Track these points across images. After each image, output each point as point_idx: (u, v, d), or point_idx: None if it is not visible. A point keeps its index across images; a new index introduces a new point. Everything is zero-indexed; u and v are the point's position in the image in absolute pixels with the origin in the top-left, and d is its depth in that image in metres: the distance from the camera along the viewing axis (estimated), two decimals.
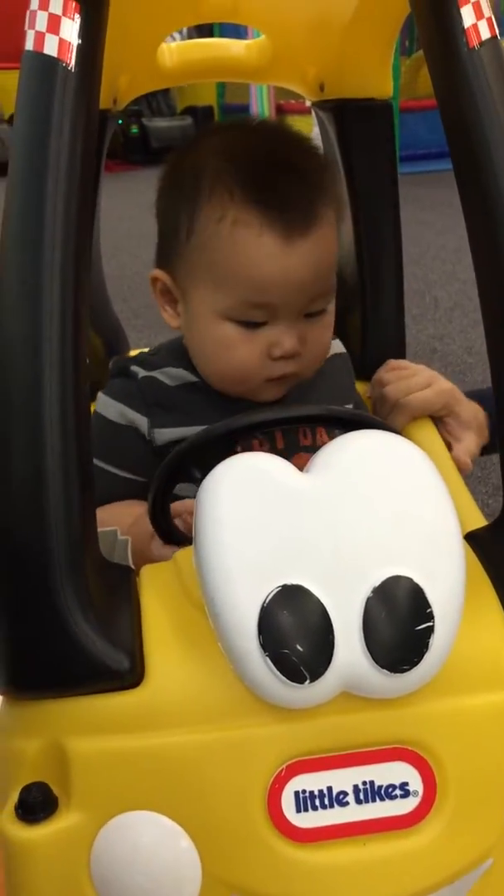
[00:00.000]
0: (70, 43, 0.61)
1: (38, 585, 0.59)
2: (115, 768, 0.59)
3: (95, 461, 0.83)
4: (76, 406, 0.61)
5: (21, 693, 0.62)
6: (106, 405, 0.90)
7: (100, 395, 0.92)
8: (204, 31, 4.29)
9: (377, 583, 0.57)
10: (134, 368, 0.91)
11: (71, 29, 0.61)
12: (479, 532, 0.71)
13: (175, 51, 0.99)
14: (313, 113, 1.06)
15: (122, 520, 0.82)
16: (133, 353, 1.01)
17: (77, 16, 0.61)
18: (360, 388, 1.06)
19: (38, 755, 0.60)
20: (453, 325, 2.94)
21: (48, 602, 0.59)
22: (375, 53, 0.96)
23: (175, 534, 0.78)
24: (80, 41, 0.61)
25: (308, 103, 1.07)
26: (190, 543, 0.74)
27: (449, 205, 4.94)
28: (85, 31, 0.62)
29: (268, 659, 0.55)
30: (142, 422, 0.89)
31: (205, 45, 1.03)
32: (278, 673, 0.55)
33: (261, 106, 7.79)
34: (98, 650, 0.59)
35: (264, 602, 0.56)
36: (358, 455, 0.61)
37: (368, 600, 0.56)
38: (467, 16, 0.66)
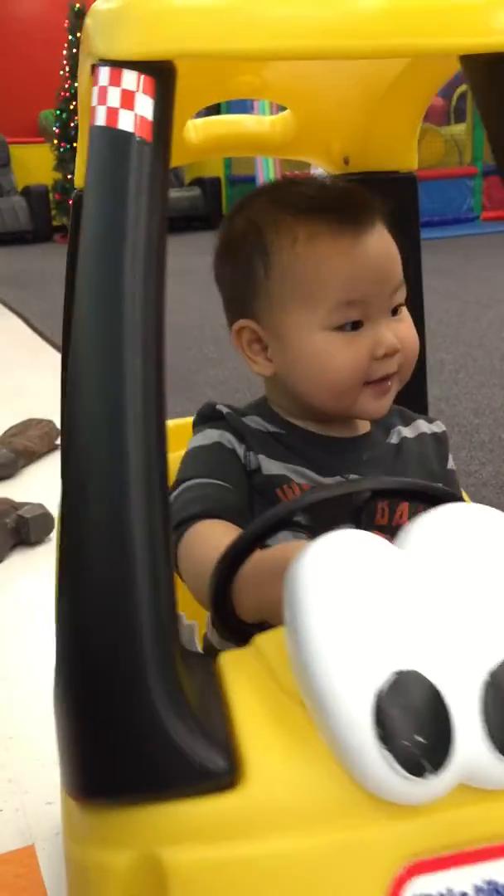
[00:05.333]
0: (145, 118, 0.60)
1: (127, 682, 0.56)
2: (219, 879, 0.54)
3: (196, 480, 0.85)
4: (161, 492, 0.58)
5: (110, 800, 0.57)
6: (206, 436, 0.90)
7: (194, 436, 0.92)
8: (211, 108, 4.38)
9: (494, 665, 0.54)
10: (220, 408, 0.92)
11: (146, 104, 0.60)
12: None
13: (200, 127, 0.99)
14: None
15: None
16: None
17: (151, 91, 0.60)
18: None
19: (129, 868, 0.56)
20: (459, 386, 3.00)
21: (140, 700, 0.55)
22: (404, 127, 0.96)
23: (240, 624, 0.74)
24: (155, 115, 0.60)
25: (317, 172, 1.07)
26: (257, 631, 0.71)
27: (450, 271, 5.08)
28: (159, 106, 0.61)
29: (386, 752, 0.52)
30: (240, 448, 0.88)
31: (229, 121, 1.03)
32: (398, 767, 0.52)
33: (267, 176, 7.97)
34: (193, 750, 0.55)
35: (379, 691, 0.52)
36: (455, 529, 0.59)
37: (486, 685, 0.53)
38: None
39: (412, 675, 0.53)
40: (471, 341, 3.56)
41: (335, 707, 0.53)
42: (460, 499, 0.72)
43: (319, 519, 0.68)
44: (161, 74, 0.61)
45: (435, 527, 0.60)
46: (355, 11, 0.60)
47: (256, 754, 0.57)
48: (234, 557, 0.69)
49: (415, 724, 0.52)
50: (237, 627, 0.74)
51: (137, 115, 0.60)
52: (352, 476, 0.88)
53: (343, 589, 0.56)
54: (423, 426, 0.98)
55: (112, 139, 0.60)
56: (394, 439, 0.95)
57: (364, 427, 0.94)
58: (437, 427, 0.99)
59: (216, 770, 0.55)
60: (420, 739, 0.52)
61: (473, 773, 0.53)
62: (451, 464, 0.98)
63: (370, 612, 0.55)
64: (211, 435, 0.90)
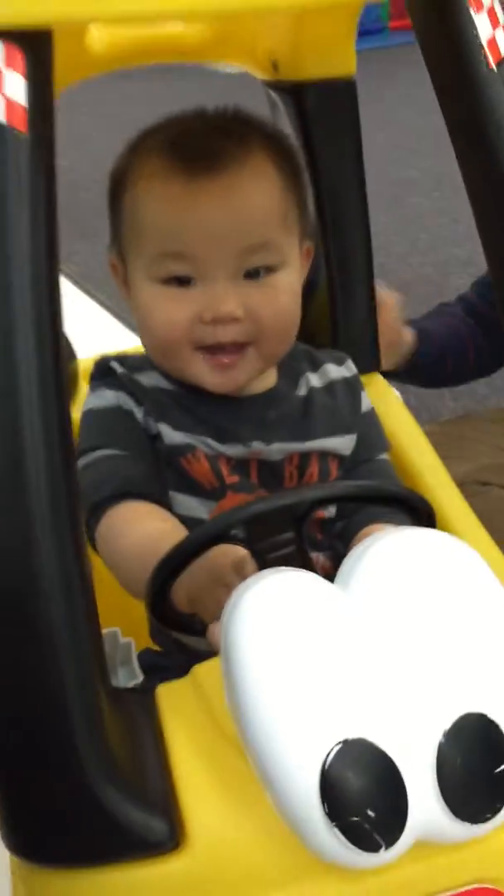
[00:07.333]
0: (15, 102, 0.49)
1: (51, 747, 0.51)
2: None
3: (100, 451, 0.79)
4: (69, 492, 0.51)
5: (46, 866, 0.54)
6: (102, 396, 0.83)
7: (88, 394, 0.84)
8: None
9: (448, 725, 0.50)
10: (113, 365, 0.84)
11: (16, 85, 0.49)
12: None
13: (105, 33, 0.86)
14: (267, 94, 0.94)
15: (159, 541, 0.68)
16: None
17: (22, 68, 0.49)
18: None
19: None
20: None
21: (66, 766, 0.51)
22: (340, 27, 0.84)
23: (176, 615, 0.70)
24: (30, 100, 0.49)
25: None
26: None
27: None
28: (34, 86, 0.50)
29: (336, 829, 0.48)
30: (138, 412, 0.81)
31: None
32: (349, 843, 0.48)
33: None
34: (129, 819, 0.52)
35: (324, 763, 0.48)
36: (403, 567, 0.54)
37: (440, 746, 0.50)
38: (483, 27, 0.55)
39: (360, 743, 0.49)
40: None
41: (278, 781, 0.49)
42: (408, 494, 0.67)
43: (258, 533, 0.63)
44: (34, 45, 0.49)
45: (378, 562, 0.54)
46: None
47: (198, 813, 0.54)
48: (172, 570, 0.64)
49: (365, 798, 0.48)
50: (172, 617, 0.70)
51: (6, 97, 0.49)
52: (255, 443, 0.81)
53: (282, 648, 0.51)
54: (331, 370, 0.89)
55: None
56: (302, 390, 0.86)
57: (270, 379, 0.85)
58: (348, 370, 0.90)
59: (155, 839, 0.52)
60: (371, 814, 0.48)
61: (428, 833, 0.51)
62: (365, 406, 0.90)
63: (313, 675, 0.50)
64: (107, 396, 0.83)
